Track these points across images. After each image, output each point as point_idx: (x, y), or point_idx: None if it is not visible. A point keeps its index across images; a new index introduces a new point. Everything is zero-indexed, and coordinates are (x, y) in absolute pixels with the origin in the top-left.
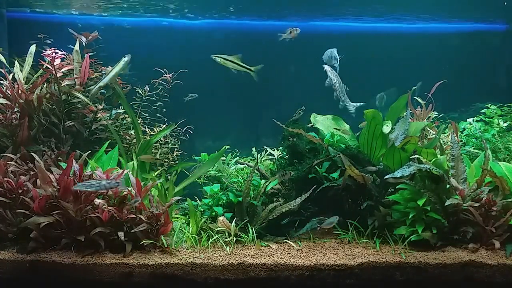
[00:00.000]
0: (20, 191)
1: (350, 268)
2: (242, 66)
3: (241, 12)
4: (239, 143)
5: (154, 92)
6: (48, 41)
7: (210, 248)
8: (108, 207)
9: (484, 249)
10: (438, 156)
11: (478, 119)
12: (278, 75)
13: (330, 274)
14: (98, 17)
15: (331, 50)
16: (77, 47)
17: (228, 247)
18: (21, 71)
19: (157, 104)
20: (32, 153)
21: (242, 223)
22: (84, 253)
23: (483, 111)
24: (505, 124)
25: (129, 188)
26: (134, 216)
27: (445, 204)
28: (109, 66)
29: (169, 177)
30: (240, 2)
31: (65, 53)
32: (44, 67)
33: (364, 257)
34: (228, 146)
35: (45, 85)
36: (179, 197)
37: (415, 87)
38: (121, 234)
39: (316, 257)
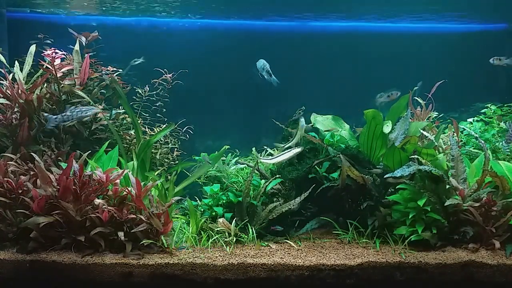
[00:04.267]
0: (20, 191)
1: (350, 268)
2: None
3: (241, 12)
4: (239, 143)
5: (154, 92)
6: (48, 41)
7: (210, 248)
8: (108, 207)
9: (484, 249)
10: (438, 156)
11: (478, 119)
12: (278, 75)
13: (330, 274)
14: (97, 17)
15: (264, 62)
16: (77, 47)
17: (228, 247)
18: (21, 71)
19: (157, 104)
20: (32, 153)
21: (242, 223)
22: (84, 253)
23: (483, 111)
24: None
25: (129, 188)
26: (134, 216)
27: (445, 204)
28: (109, 66)
29: (169, 177)
30: (240, 2)
31: (65, 53)
32: (44, 67)
33: (364, 257)
34: (228, 146)
35: (45, 85)
36: (179, 197)
37: (416, 87)
38: (121, 234)
39: (316, 257)
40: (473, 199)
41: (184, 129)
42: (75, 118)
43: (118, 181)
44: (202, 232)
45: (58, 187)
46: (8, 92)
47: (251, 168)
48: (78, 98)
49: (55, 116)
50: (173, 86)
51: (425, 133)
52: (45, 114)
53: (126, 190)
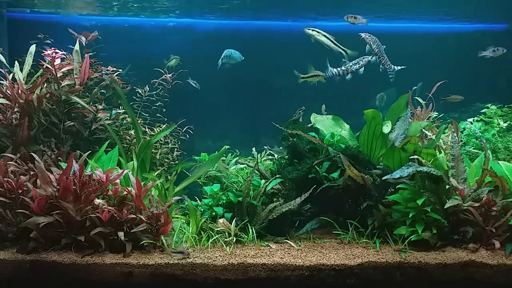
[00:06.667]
0: (20, 191)
1: (350, 268)
2: (337, 46)
3: (242, 12)
4: (239, 143)
5: (154, 92)
6: (48, 41)
7: (210, 248)
8: (108, 207)
9: (484, 249)
10: (438, 156)
11: (478, 119)
12: (278, 75)
13: (330, 274)
14: (97, 17)
15: (231, 51)
16: (77, 47)
17: (228, 247)
18: (21, 71)
19: (157, 104)
20: (32, 153)
21: (242, 223)
22: (84, 253)
23: (483, 111)
24: (505, 124)
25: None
26: (134, 216)
27: (445, 207)
28: (109, 66)
29: (169, 177)
30: (240, 2)
31: (65, 53)
32: (44, 67)
33: (364, 257)
34: (228, 146)
35: (45, 85)
36: (179, 197)
37: (415, 87)
38: (121, 234)
39: (316, 257)
40: (473, 199)
41: (184, 129)
42: (349, 71)
43: (118, 181)
44: (202, 232)
45: (58, 187)
46: (8, 92)
47: (251, 168)
48: (77, 98)
49: (335, 70)
50: (173, 86)
51: (426, 131)
52: (332, 70)
53: (126, 190)
